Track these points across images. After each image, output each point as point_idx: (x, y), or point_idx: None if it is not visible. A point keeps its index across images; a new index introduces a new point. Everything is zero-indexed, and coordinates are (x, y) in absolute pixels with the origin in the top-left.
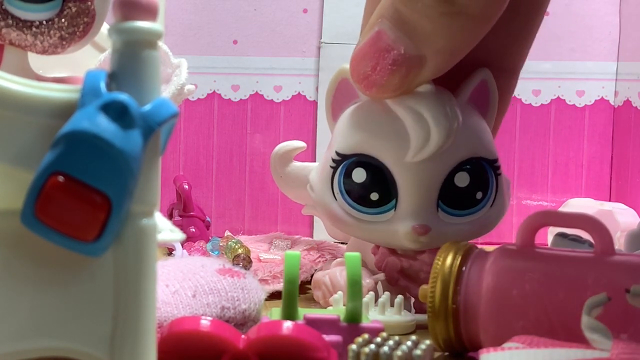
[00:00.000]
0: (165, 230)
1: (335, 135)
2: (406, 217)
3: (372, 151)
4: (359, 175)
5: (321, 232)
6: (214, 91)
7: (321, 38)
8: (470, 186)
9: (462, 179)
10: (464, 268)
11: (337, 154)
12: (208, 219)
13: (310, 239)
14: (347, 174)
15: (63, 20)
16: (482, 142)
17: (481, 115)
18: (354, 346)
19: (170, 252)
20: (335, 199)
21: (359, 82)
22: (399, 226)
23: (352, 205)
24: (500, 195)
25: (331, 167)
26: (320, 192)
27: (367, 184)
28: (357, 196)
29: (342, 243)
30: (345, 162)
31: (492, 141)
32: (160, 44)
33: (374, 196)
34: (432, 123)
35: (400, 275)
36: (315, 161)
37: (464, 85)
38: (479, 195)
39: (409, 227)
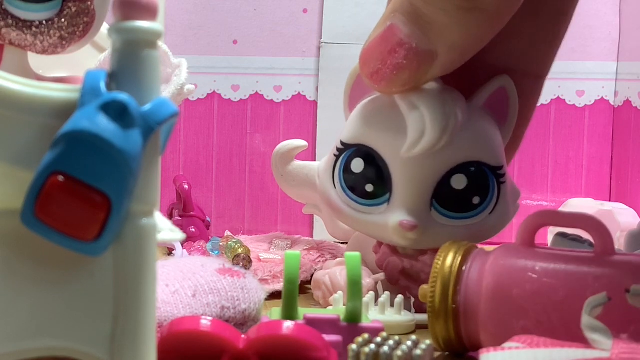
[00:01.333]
0: (165, 230)
1: (345, 126)
2: (397, 212)
3: (372, 143)
4: (357, 165)
5: (321, 232)
6: (214, 91)
7: (321, 38)
8: (467, 190)
9: (459, 182)
10: (464, 268)
11: (341, 143)
12: (208, 219)
13: (310, 239)
14: (347, 164)
15: (63, 20)
16: (486, 147)
17: (499, 122)
18: (354, 346)
19: (170, 252)
20: (335, 187)
21: (368, 77)
22: (390, 220)
23: (348, 194)
24: (503, 203)
25: (334, 155)
26: (323, 180)
27: (364, 175)
28: (354, 186)
29: (342, 243)
30: (347, 152)
31: (499, 148)
32: (160, 43)
33: (369, 187)
34: (428, 120)
35: (402, 276)
36: (315, 161)
37: (480, 90)
38: (477, 200)
39: (397, 222)
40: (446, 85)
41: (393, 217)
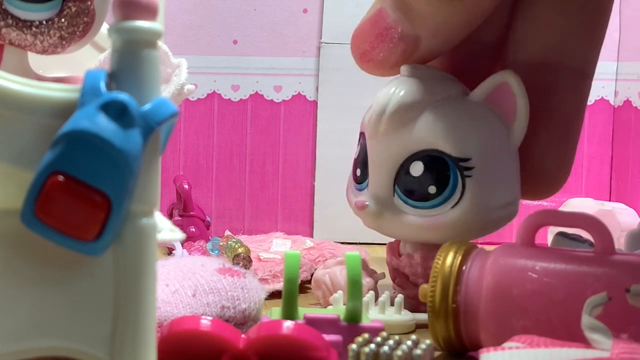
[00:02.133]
0: (165, 229)
1: None
2: (366, 195)
3: (364, 129)
4: (356, 151)
5: (321, 232)
6: (214, 91)
7: (321, 38)
8: (423, 177)
9: (416, 168)
10: (464, 267)
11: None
12: (208, 218)
13: (310, 238)
14: (357, 151)
15: (63, 20)
16: (452, 137)
17: (507, 120)
18: (354, 346)
19: (170, 251)
20: (351, 175)
21: (357, 58)
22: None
23: (352, 179)
24: (470, 199)
25: (357, 145)
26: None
27: (357, 160)
28: (354, 171)
29: (342, 243)
30: (359, 140)
31: (473, 141)
32: (160, 43)
33: (358, 172)
34: (375, 102)
35: (396, 274)
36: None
37: (481, 85)
38: (432, 189)
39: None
40: (442, 73)
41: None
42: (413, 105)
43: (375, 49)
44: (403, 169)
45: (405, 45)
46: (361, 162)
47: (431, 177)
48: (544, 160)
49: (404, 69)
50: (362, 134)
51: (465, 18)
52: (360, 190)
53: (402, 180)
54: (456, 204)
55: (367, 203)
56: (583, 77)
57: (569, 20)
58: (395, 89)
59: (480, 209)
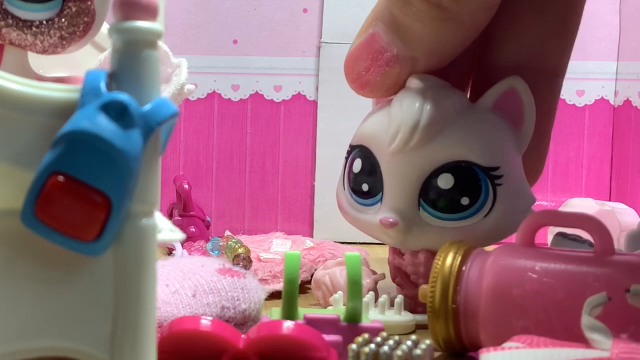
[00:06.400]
0: (165, 229)
1: None
2: (386, 210)
3: (368, 142)
4: (357, 165)
5: (321, 232)
6: (214, 91)
7: (321, 38)
8: (454, 189)
9: (445, 181)
10: (464, 267)
11: (350, 145)
12: (208, 218)
13: (310, 238)
14: (351, 165)
15: (63, 20)
16: (478, 147)
17: (514, 125)
18: (353, 346)
19: (170, 251)
20: (344, 189)
21: (353, 82)
22: (376, 218)
23: (351, 194)
24: (501, 207)
25: (345, 157)
26: (338, 184)
27: (361, 175)
28: (355, 186)
29: (342, 242)
30: (352, 153)
31: (497, 149)
32: (160, 43)
33: (365, 187)
34: (399, 116)
35: (398, 273)
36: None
37: (488, 91)
38: (465, 200)
39: (378, 220)
40: (447, 83)
41: (379, 215)
42: (442, 116)
43: (371, 73)
44: (429, 181)
45: (400, 67)
46: (368, 177)
47: (462, 188)
48: (524, 160)
49: (414, 80)
50: (360, 147)
51: (460, 37)
52: (368, 205)
53: (429, 193)
54: (488, 213)
55: (391, 220)
56: (556, 77)
57: (546, 24)
58: (421, 101)
59: (511, 215)
